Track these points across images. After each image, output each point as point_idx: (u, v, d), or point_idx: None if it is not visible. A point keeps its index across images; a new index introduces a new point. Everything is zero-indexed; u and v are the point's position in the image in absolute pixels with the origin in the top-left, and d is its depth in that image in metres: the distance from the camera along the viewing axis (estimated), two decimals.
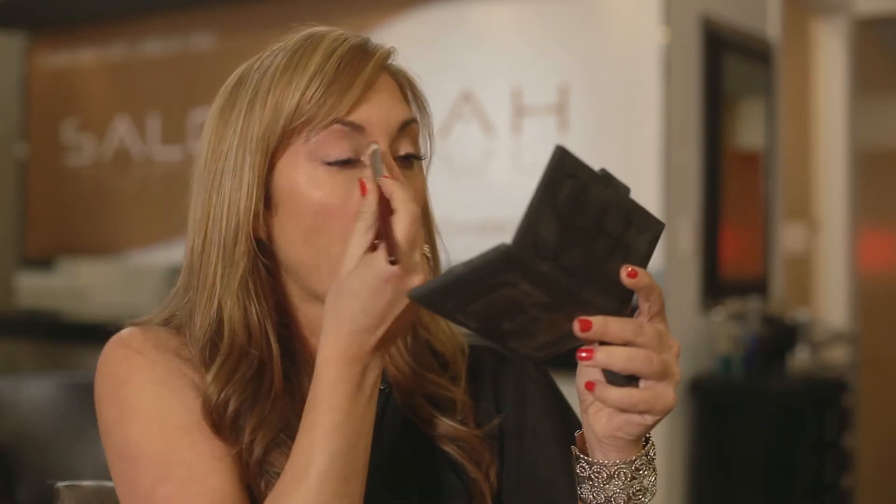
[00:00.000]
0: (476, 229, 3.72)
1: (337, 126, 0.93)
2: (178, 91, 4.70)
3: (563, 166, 0.77)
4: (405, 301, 0.86)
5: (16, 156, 5.26)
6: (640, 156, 3.52)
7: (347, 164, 0.94)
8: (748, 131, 4.19)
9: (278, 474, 0.92)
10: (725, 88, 3.87)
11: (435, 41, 3.88)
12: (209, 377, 0.95)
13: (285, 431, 0.95)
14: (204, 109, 5.13)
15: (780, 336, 3.80)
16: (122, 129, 4.87)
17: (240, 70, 1.01)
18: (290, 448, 0.94)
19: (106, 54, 4.98)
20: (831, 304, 4.85)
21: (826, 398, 3.75)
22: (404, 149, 0.97)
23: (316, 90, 0.93)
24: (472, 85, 3.82)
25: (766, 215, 4.22)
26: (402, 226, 0.86)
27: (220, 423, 0.94)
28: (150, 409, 0.93)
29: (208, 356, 0.96)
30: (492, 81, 3.83)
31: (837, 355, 4.47)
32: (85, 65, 5.04)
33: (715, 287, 3.78)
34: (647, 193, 3.42)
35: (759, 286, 4.08)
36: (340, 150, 0.94)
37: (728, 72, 3.87)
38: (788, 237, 4.57)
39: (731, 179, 3.91)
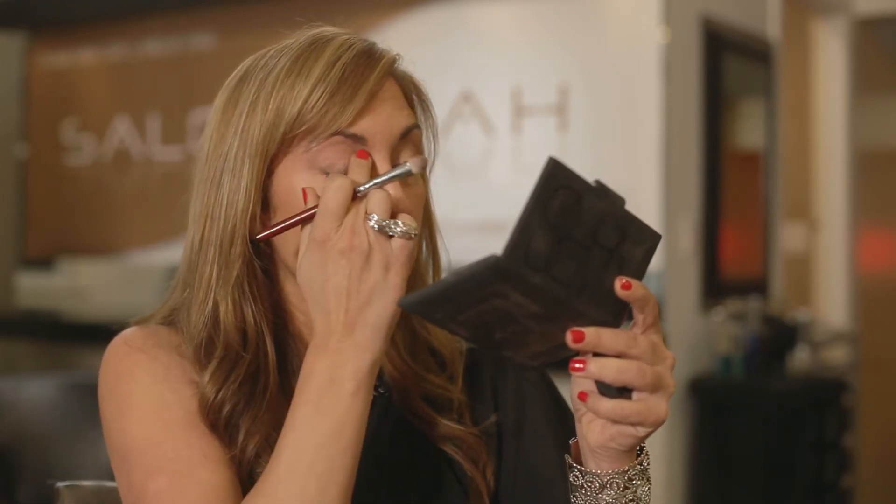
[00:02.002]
0: (476, 229, 3.72)
1: (338, 137, 0.93)
2: (178, 91, 4.70)
3: (556, 177, 0.77)
4: (341, 267, 0.86)
5: (16, 156, 5.26)
6: (640, 156, 3.52)
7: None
8: (748, 131, 4.19)
9: None
10: (725, 88, 3.87)
11: (435, 41, 3.88)
12: (206, 376, 0.95)
13: (278, 432, 0.95)
14: (204, 109, 5.13)
15: (780, 336, 3.80)
16: (122, 129, 4.87)
17: (244, 65, 1.00)
18: None
19: (106, 54, 4.98)
20: (831, 304, 4.85)
21: (826, 398, 3.75)
22: (405, 157, 0.97)
23: (318, 99, 0.92)
24: (472, 85, 3.82)
25: (766, 215, 4.22)
26: (324, 198, 0.88)
27: (216, 422, 0.94)
28: (146, 404, 0.94)
29: (204, 354, 0.96)
30: (492, 81, 3.83)
31: (837, 355, 4.47)
32: (85, 65, 5.04)
33: (715, 287, 3.78)
34: (647, 193, 3.42)
35: (759, 286, 4.08)
36: (341, 162, 0.93)
37: (728, 72, 3.87)
38: (788, 237, 4.57)
39: (731, 179, 3.91)
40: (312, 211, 0.90)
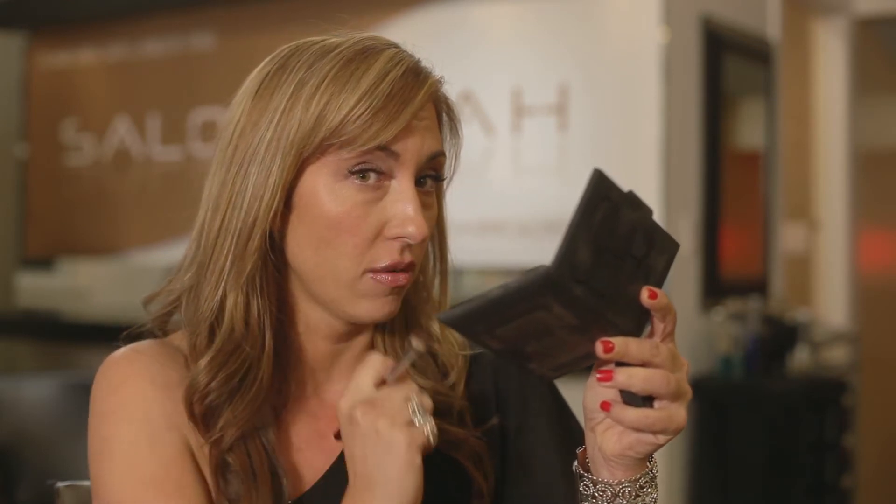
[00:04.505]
0: (476, 229, 3.71)
1: (374, 152, 0.93)
2: (178, 91, 4.70)
3: (600, 189, 0.78)
4: (356, 436, 0.88)
5: (16, 156, 5.26)
6: (640, 156, 3.52)
7: (372, 186, 0.94)
8: (748, 131, 4.19)
9: (232, 471, 0.94)
10: (725, 88, 3.87)
11: (435, 41, 3.88)
12: (202, 363, 0.95)
13: (260, 431, 0.97)
14: (204, 109, 5.12)
15: (780, 336, 3.80)
16: (122, 129, 4.87)
17: (283, 54, 0.99)
18: (253, 446, 0.96)
19: (106, 54, 4.98)
20: (831, 304, 4.85)
21: (826, 398, 3.75)
22: (427, 180, 0.99)
23: (363, 112, 0.92)
24: (472, 85, 3.82)
25: (766, 215, 4.22)
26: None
27: (198, 409, 0.95)
28: (122, 457, 0.94)
29: (205, 341, 0.97)
30: (492, 81, 3.83)
31: (837, 355, 4.47)
32: (85, 65, 5.04)
33: (715, 287, 3.78)
34: (647, 193, 3.40)
35: (759, 286, 4.08)
36: (362, 165, 0.94)
37: (728, 72, 3.87)
38: (788, 237, 4.57)
39: (731, 179, 3.91)
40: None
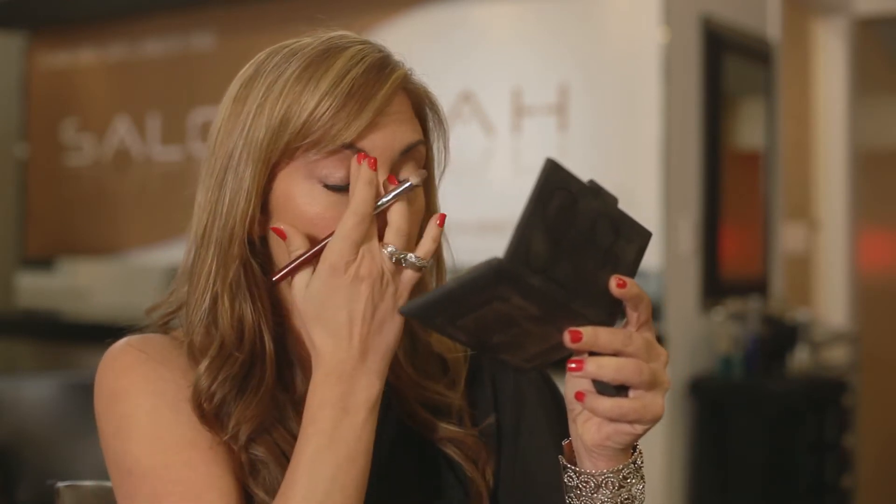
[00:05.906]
0: (476, 229, 3.72)
1: (341, 151, 0.93)
2: (178, 91, 4.70)
3: (554, 179, 0.78)
4: (359, 293, 0.88)
5: (16, 156, 5.26)
6: (640, 156, 3.52)
7: (346, 188, 0.94)
8: (748, 131, 4.19)
9: (262, 460, 0.95)
10: (725, 88, 3.87)
11: (435, 41, 3.88)
12: (202, 367, 0.96)
13: (281, 423, 0.97)
14: (204, 109, 5.12)
15: (780, 336, 3.81)
16: (122, 129, 4.87)
17: (259, 59, 0.99)
18: (279, 434, 0.96)
19: (106, 54, 4.98)
20: (831, 304, 4.85)
21: (826, 398, 3.75)
22: (405, 173, 0.97)
23: (325, 112, 0.92)
24: (472, 85, 3.82)
25: (766, 215, 4.22)
26: (343, 223, 0.90)
27: (208, 410, 0.95)
28: (147, 427, 0.94)
29: (199, 350, 0.97)
30: (492, 81, 3.83)
31: (837, 355, 4.47)
32: (85, 65, 5.04)
33: (715, 287, 3.78)
34: (647, 193, 3.42)
35: (759, 286, 4.08)
36: (341, 175, 0.93)
37: (728, 72, 3.87)
38: (788, 237, 4.57)
39: (731, 179, 3.91)
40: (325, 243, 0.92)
